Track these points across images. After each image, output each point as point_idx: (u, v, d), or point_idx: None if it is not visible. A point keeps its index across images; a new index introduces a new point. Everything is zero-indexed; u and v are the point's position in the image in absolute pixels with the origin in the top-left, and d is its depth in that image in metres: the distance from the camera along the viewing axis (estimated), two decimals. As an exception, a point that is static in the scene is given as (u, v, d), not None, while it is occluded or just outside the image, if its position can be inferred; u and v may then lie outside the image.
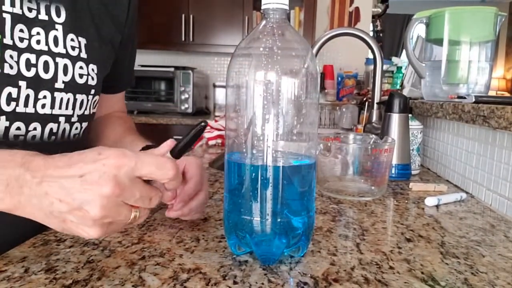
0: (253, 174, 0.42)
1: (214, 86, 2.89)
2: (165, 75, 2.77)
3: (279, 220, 0.43)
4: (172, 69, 2.75)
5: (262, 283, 0.40)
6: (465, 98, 0.83)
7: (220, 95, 2.85)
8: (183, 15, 2.84)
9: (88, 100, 0.64)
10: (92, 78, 0.63)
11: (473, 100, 0.79)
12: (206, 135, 1.38)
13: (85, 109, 0.64)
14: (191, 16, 2.84)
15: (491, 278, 0.43)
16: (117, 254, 0.46)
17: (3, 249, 0.45)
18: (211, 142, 1.37)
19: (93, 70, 0.63)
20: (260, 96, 0.41)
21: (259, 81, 0.42)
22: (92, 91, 0.64)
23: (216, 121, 1.42)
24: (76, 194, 0.35)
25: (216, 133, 1.38)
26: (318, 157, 0.74)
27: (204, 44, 2.89)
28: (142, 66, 2.85)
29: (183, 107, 2.76)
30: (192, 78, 2.74)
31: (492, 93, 1.84)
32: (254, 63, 0.42)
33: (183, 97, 2.75)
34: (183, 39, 2.87)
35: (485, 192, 0.76)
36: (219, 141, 1.37)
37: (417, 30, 1.11)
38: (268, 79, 0.41)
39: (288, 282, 0.41)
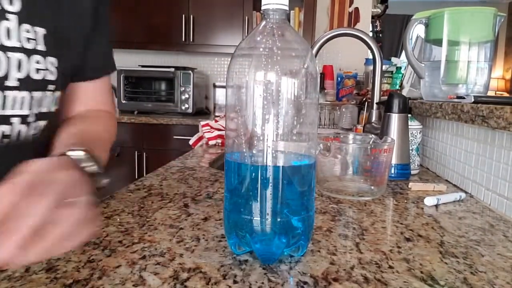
0: (253, 174, 0.42)
1: (214, 86, 2.90)
2: (165, 75, 2.77)
3: (279, 219, 0.43)
4: (172, 69, 2.75)
5: (262, 283, 0.40)
6: (464, 98, 0.84)
7: (220, 95, 2.86)
8: (183, 16, 2.84)
9: (47, 97, 0.57)
10: (51, 73, 0.56)
11: (472, 100, 0.80)
12: (206, 135, 1.39)
13: (44, 107, 0.58)
14: (191, 17, 2.84)
15: (490, 277, 0.43)
16: (117, 253, 0.46)
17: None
18: (211, 142, 1.37)
19: (52, 63, 0.56)
20: (260, 96, 0.42)
21: (259, 81, 0.42)
22: (51, 87, 0.58)
23: (216, 121, 1.42)
24: None
25: (216, 133, 1.38)
26: (318, 157, 0.74)
27: (204, 45, 2.90)
28: (142, 66, 2.86)
29: (183, 107, 2.77)
30: (192, 78, 2.75)
31: (491, 93, 1.84)
32: (254, 64, 0.43)
33: (183, 97, 2.75)
34: (183, 39, 2.87)
35: (484, 191, 0.76)
36: (219, 141, 1.37)
37: (416, 30, 1.11)
38: (268, 79, 0.42)
39: (288, 281, 0.41)
